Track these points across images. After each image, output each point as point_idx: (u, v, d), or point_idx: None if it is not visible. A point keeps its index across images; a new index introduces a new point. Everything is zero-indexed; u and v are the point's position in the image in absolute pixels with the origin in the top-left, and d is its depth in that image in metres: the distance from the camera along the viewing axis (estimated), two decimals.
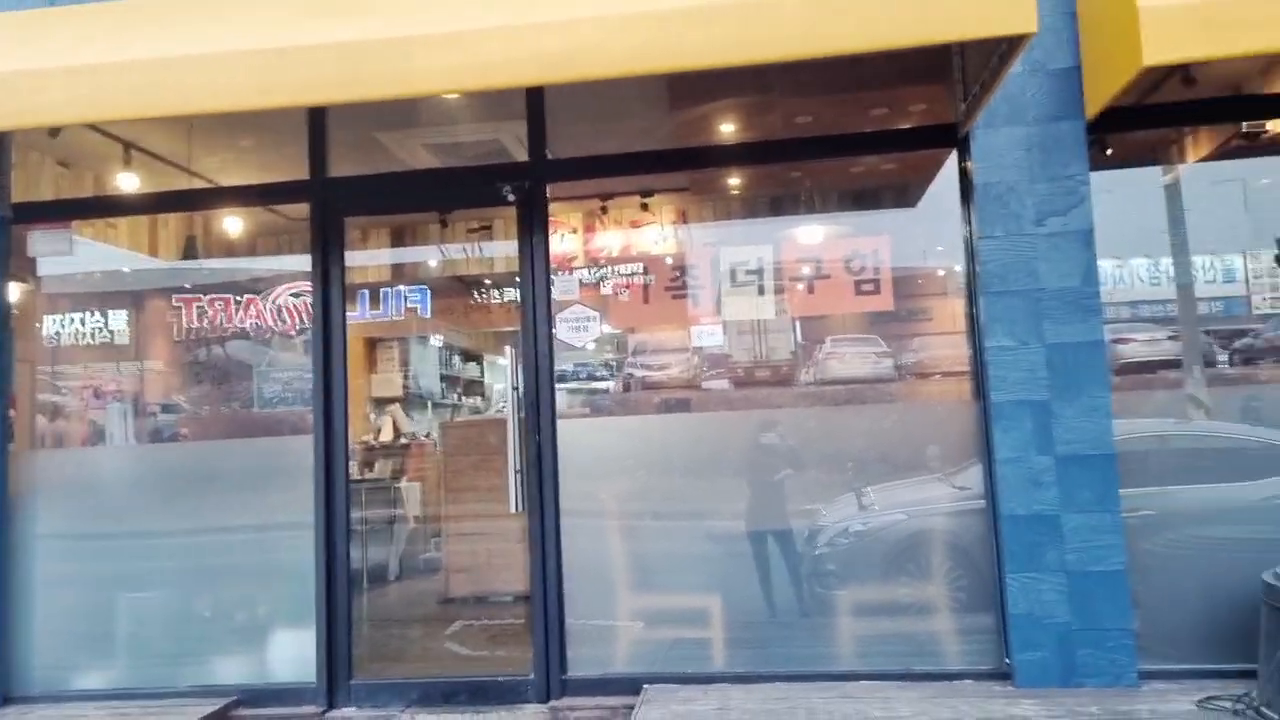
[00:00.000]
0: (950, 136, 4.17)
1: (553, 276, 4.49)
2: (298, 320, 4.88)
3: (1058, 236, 3.90)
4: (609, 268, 5.69)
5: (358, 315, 6.53)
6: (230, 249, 5.64)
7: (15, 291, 4.78)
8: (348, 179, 4.62)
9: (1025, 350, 3.90)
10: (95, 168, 5.65)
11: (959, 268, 4.25)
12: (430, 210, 5.37)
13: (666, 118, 5.15)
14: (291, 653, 4.48)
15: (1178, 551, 4.06)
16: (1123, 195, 4.32)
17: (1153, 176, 4.64)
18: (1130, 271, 4.66)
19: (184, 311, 4.97)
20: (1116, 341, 4.45)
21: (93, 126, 5.37)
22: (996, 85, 3.43)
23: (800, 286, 4.67)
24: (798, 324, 5.00)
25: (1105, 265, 4.17)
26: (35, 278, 4.94)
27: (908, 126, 4.55)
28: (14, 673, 4.54)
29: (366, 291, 6.67)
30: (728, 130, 5.31)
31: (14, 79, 3.38)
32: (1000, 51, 3.30)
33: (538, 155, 4.46)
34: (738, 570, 4.40)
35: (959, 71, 4.00)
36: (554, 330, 4.46)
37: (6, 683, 4.51)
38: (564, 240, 6.95)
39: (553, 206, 5.57)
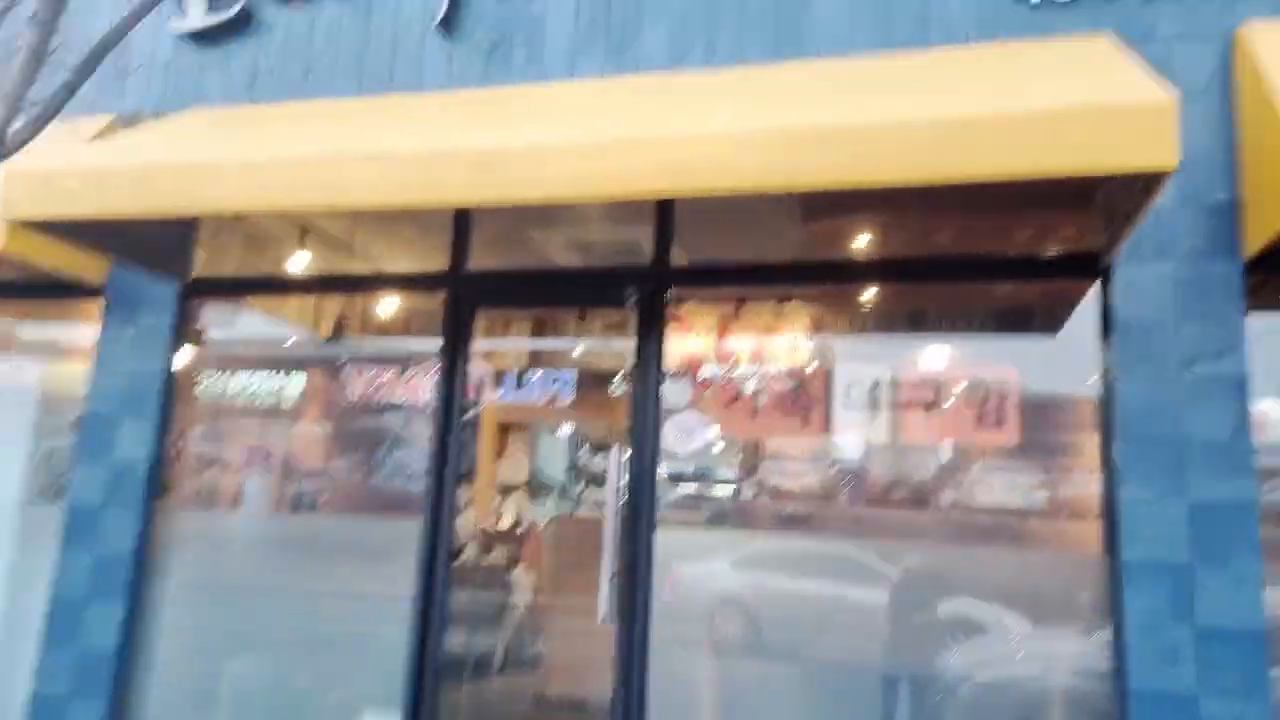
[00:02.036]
0: (1092, 267, 3.96)
1: (663, 384, 4.51)
2: None
3: (1207, 383, 3.58)
4: (736, 372, 5.63)
5: (501, 395, 6.74)
6: (382, 329, 5.99)
7: (185, 357, 5.24)
8: (482, 274, 4.86)
9: (1163, 505, 3.55)
10: (273, 247, 6.22)
11: (1095, 406, 3.96)
12: (553, 307, 5.55)
13: (797, 229, 5.15)
14: None
15: None
16: None
17: None
18: None
19: (349, 382, 5.29)
20: None
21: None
22: (1138, 219, 3.24)
23: (923, 411, 4.48)
24: (923, 449, 4.78)
25: None
26: (200, 343, 5.41)
27: (1047, 254, 4.33)
28: None
29: (513, 375, 6.87)
30: (860, 245, 5.26)
31: (201, 169, 3.78)
32: (1141, 184, 3.12)
33: (661, 261, 4.55)
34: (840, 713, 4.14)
35: (1100, 200, 3.81)
36: (660, 437, 4.45)
37: None
38: (692, 341, 6.99)
39: (685, 306, 5.64)
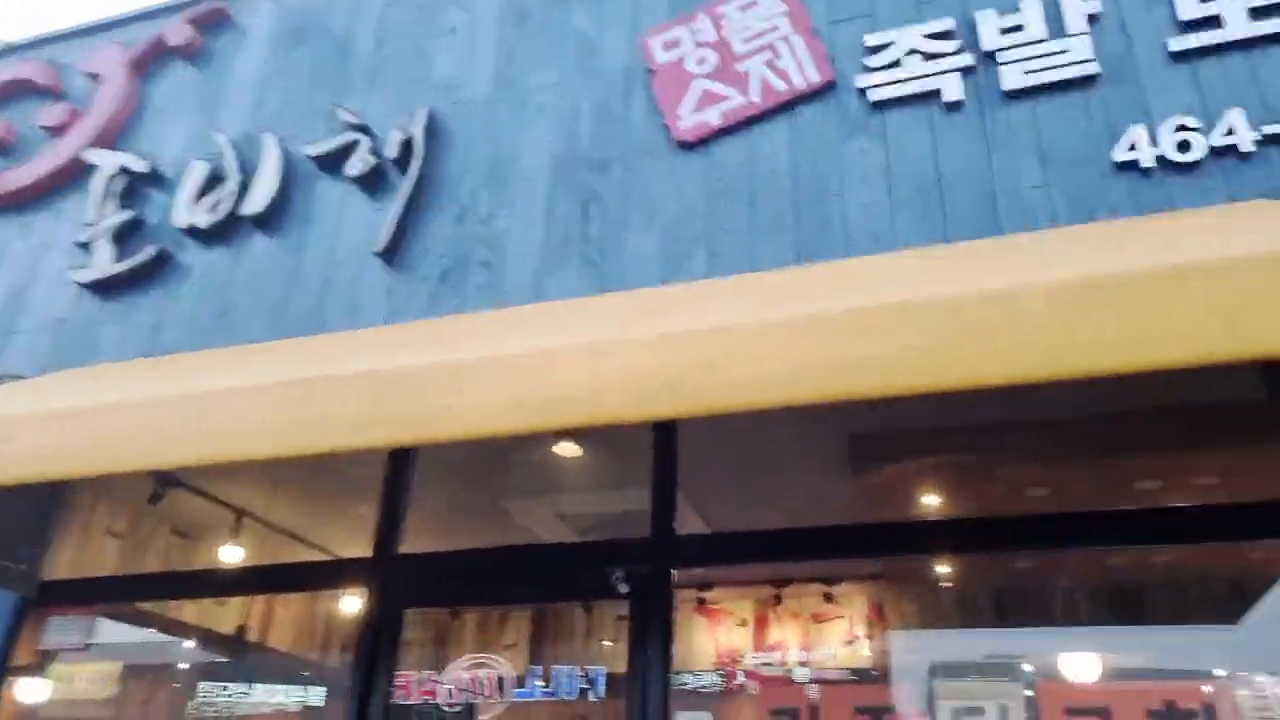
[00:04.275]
0: None
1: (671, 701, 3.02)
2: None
3: None
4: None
5: (527, 693, 5.42)
6: (297, 639, 4.62)
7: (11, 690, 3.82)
8: (416, 558, 3.53)
9: None
10: (210, 538, 5.03)
11: None
12: (513, 603, 4.15)
13: (843, 484, 3.88)
14: None
15: None
16: None
17: None
18: None
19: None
20: None
21: (205, 494, 4.86)
22: None
23: None
24: None
25: None
26: (41, 669, 4.01)
27: (1220, 505, 2.99)
28: None
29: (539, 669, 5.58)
30: (930, 503, 3.98)
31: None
32: None
33: (663, 531, 3.22)
34: None
35: None
36: None
37: None
38: (731, 634, 5.57)
39: (716, 592, 4.50)
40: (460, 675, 3.73)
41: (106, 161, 4.63)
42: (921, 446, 3.98)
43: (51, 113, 4.93)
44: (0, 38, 5.48)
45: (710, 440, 3.37)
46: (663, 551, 3.17)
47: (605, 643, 6.10)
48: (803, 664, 5.20)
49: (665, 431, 3.35)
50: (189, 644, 4.70)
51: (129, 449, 2.42)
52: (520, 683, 6.11)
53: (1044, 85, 3.35)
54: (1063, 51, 3.36)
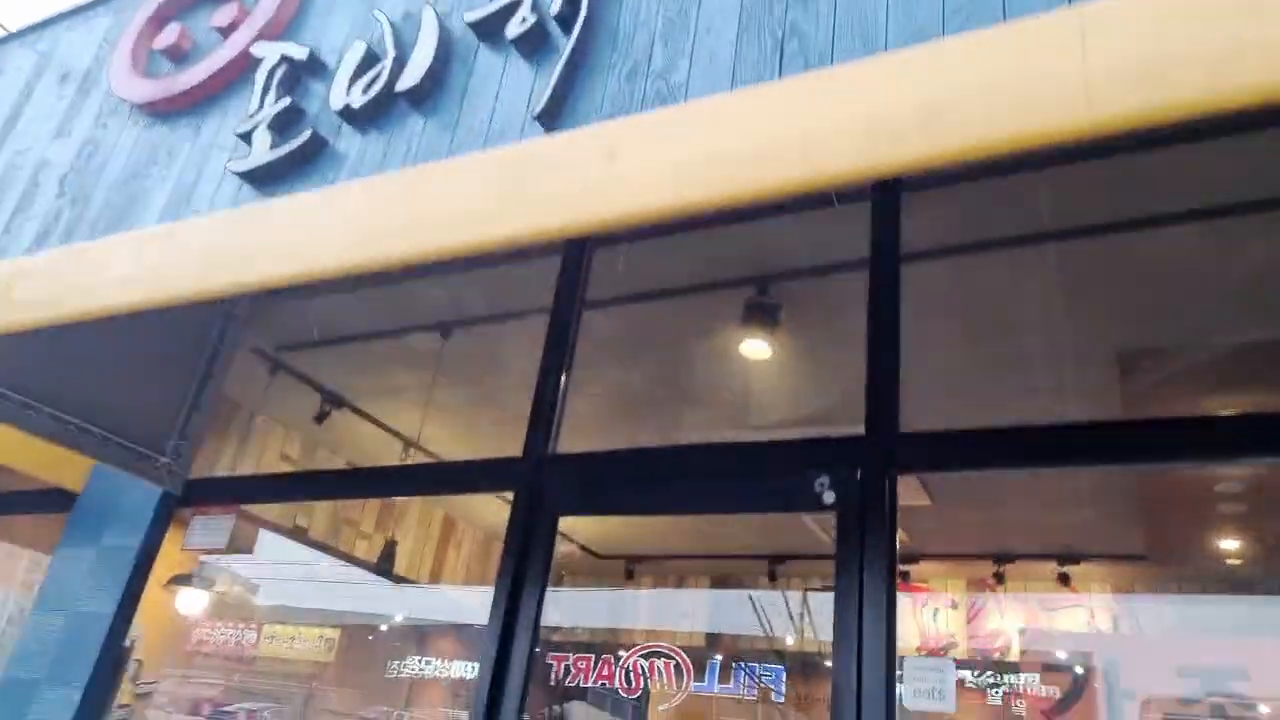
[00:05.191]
0: None
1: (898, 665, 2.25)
2: (642, 684, 3.61)
3: None
4: (1001, 674, 3.79)
5: (705, 686, 5.30)
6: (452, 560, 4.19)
7: (154, 593, 3.58)
8: (573, 458, 2.95)
9: None
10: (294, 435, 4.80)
11: None
12: (687, 512, 3.50)
13: (1109, 375, 2.99)
14: None
15: None
16: None
17: None
18: None
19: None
20: None
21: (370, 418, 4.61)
22: None
23: None
24: None
25: None
26: (186, 575, 3.76)
27: None
28: None
29: (717, 660, 5.37)
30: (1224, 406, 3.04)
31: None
32: None
33: (883, 425, 2.46)
34: None
35: None
36: None
37: None
38: (937, 618, 4.77)
39: (923, 567, 3.86)
40: (638, 662, 3.66)
41: (269, 53, 4.39)
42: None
43: (222, 13, 4.77)
44: None
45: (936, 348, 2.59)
46: (881, 451, 2.41)
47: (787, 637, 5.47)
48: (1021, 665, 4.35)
49: (888, 301, 2.60)
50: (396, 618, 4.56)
51: (222, 263, 1.98)
52: (699, 672, 5.60)
53: None
54: None
